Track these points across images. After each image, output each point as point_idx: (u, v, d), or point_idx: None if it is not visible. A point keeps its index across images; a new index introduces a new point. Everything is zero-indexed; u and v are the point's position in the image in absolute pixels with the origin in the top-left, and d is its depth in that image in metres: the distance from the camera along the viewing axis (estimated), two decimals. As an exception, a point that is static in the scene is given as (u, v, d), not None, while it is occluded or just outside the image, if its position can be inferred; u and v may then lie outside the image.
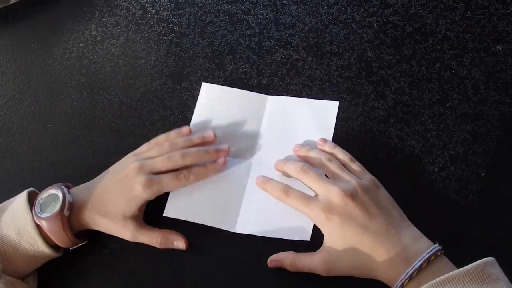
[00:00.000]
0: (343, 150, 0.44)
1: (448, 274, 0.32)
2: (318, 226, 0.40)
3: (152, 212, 0.46)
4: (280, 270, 0.42)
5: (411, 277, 0.35)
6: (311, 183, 0.41)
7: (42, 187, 0.44)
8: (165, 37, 0.57)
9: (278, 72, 0.53)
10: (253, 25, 0.56)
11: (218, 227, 0.45)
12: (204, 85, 0.52)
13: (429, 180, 0.45)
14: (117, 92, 0.55)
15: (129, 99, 0.54)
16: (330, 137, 0.48)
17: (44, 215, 0.41)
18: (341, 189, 0.39)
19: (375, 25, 0.54)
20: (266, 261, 0.43)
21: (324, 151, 0.45)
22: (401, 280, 0.35)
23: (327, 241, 0.39)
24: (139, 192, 0.42)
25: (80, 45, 0.58)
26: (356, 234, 0.38)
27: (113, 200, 0.42)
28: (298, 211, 0.41)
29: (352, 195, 0.39)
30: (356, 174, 0.42)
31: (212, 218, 0.45)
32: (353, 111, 0.50)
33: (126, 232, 0.43)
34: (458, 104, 0.49)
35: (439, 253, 0.36)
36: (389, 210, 0.39)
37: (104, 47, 0.58)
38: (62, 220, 0.41)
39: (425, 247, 0.37)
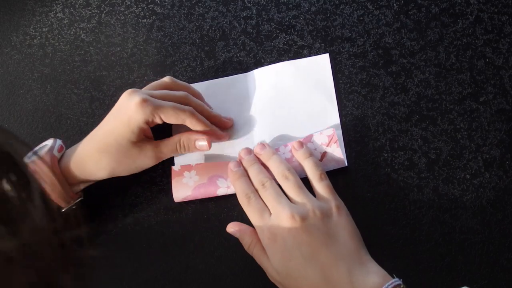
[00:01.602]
0: (316, 162, 0.45)
1: None
2: (264, 245, 0.42)
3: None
4: None
5: None
6: (267, 201, 0.43)
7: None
8: (145, 20, 0.57)
9: (279, 61, 0.52)
10: (249, 5, 0.55)
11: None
12: None
13: (460, 189, 0.45)
14: (88, 86, 0.54)
15: (101, 94, 0.54)
16: (333, 93, 0.50)
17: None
18: (290, 211, 0.40)
19: (394, 5, 0.53)
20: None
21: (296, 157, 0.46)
22: None
23: (273, 263, 0.41)
24: (133, 112, 0.43)
25: (44, 29, 0.58)
26: (299, 265, 0.39)
27: (111, 130, 0.44)
28: (253, 223, 0.43)
29: (302, 219, 0.39)
30: (319, 196, 0.43)
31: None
32: (369, 108, 0.49)
33: (145, 155, 0.44)
34: (494, 98, 0.48)
35: None
36: (343, 242, 0.40)
37: (72, 32, 0.57)
38: (52, 159, 0.43)
39: (378, 284, 0.37)
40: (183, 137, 0.46)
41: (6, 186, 0.20)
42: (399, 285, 0.36)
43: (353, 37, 0.52)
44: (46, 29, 0.57)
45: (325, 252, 0.38)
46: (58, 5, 0.58)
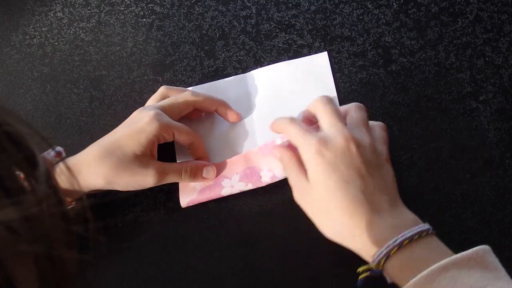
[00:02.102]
0: (360, 105, 0.43)
1: (451, 258, 0.33)
2: (305, 162, 0.39)
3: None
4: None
5: (400, 245, 0.35)
6: (324, 119, 0.40)
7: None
8: (145, 19, 0.57)
9: (279, 60, 0.52)
10: (249, 4, 0.55)
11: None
12: None
13: (460, 189, 0.45)
14: (87, 86, 0.54)
15: (101, 94, 0.54)
16: (334, 91, 0.50)
17: None
18: (348, 132, 0.38)
19: (394, 4, 0.53)
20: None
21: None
22: (387, 247, 0.35)
23: (311, 177, 0.39)
24: (146, 124, 0.43)
25: (43, 29, 0.58)
26: (341, 181, 0.37)
27: (118, 138, 0.43)
28: (294, 144, 0.41)
29: (359, 143, 0.38)
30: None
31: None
32: (369, 107, 0.48)
33: (146, 173, 0.43)
34: (493, 97, 0.48)
35: (430, 231, 0.36)
36: (386, 181, 0.39)
37: (72, 32, 0.57)
38: (45, 162, 0.43)
39: (415, 221, 0.37)
40: (190, 164, 0.46)
41: (14, 168, 0.20)
42: (432, 229, 0.36)
43: (353, 36, 0.52)
44: (46, 28, 0.57)
45: (371, 180, 0.37)
46: (58, 5, 0.58)
